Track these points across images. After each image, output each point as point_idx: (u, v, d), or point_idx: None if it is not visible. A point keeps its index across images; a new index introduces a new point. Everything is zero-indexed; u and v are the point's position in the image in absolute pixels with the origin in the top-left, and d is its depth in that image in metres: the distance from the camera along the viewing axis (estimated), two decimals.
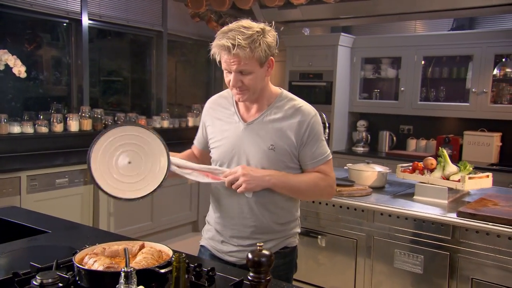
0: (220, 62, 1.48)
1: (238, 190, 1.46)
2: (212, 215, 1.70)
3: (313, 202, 2.63)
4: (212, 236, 1.68)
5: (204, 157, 1.74)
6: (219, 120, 1.63)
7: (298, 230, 1.72)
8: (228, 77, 1.48)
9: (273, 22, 1.53)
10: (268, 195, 1.54)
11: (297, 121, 1.53)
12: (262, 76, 1.49)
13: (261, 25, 1.45)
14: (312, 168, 1.56)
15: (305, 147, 1.54)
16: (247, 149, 1.54)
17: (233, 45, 1.38)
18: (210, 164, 1.66)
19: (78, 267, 1.15)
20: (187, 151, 1.80)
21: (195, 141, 1.79)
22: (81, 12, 4.25)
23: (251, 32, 1.41)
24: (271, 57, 1.49)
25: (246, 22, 1.45)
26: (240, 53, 1.39)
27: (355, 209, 2.49)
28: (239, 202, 1.56)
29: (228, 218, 1.60)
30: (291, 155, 1.55)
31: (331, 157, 1.60)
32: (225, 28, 1.45)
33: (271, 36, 1.47)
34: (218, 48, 1.43)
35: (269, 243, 1.59)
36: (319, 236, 2.64)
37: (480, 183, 2.44)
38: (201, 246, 1.74)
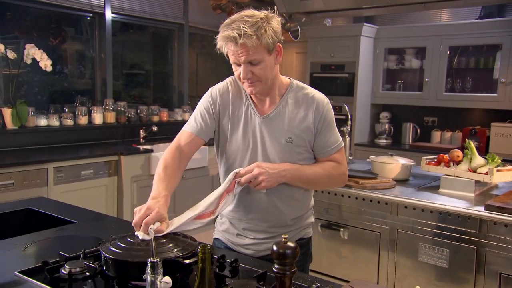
0: (227, 56, 1.44)
1: (256, 188, 1.43)
2: (222, 215, 1.68)
3: (335, 194, 2.61)
4: (227, 229, 1.66)
5: (193, 145, 1.55)
6: (233, 111, 1.55)
7: (313, 220, 1.71)
8: (238, 70, 1.44)
9: (276, 8, 1.50)
10: (285, 189, 1.53)
11: (312, 110, 1.51)
12: (272, 65, 1.45)
13: (264, 12, 1.43)
14: (325, 157, 1.55)
15: (319, 136, 1.53)
16: (265, 143, 1.52)
17: (239, 35, 1.34)
18: (191, 157, 1.56)
19: (105, 256, 1.17)
20: (171, 155, 1.51)
21: (190, 128, 1.56)
22: (104, 6, 4.30)
23: (255, 19, 1.37)
24: (278, 44, 1.44)
25: (248, 11, 1.41)
26: (247, 42, 1.35)
27: (379, 202, 2.46)
28: (256, 197, 1.55)
29: (245, 212, 1.58)
30: (307, 145, 1.53)
31: (343, 144, 1.59)
32: (227, 20, 1.41)
33: (276, 22, 1.43)
34: (224, 41, 1.39)
35: (272, 241, 1.56)
36: (342, 229, 2.62)
37: (509, 176, 2.38)
38: (215, 238, 1.71)
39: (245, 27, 1.35)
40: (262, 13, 1.42)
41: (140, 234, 1.23)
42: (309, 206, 1.67)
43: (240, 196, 1.57)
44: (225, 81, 1.61)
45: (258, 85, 1.45)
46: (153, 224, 1.24)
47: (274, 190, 1.51)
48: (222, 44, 1.41)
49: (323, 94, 1.57)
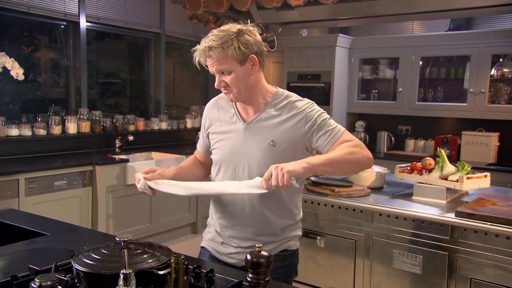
0: (207, 66, 1.53)
1: (285, 180, 1.34)
2: (213, 216, 1.70)
3: (312, 202, 2.63)
4: (212, 237, 1.68)
5: (208, 162, 1.74)
6: (220, 121, 1.65)
7: (299, 233, 1.71)
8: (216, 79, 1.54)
9: (251, 22, 1.57)
10: (271, 195, 1.53)
11: (297, 114, 1.55)
12: (244, 75, 1.51)
13: (239, 26, 1.50)
14: (331, 145, 1.54)
15: (316, 134, 1.55)
16: (248, 149, 1.55)
17: (206, 48, 1.45)
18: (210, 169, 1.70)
19: (77, 269, 1.15)
20: (191, 158, 1.80)
21: (198, 146, 1.79)
22: (78, 14, 4.25)
23: (224, 33, 1.46)
24: (253, 55, 1.49)
25: (226, 26, 1.51)
26: (212, 54, 1.45)
27: (354, 210, 2.50)
28: (240, 201, 1.57)
29: (229, 218, 1.61)
30: (297, 148, 1.55)
31: (344, 129, 1.57)
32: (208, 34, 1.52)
33: (251, 34, 1.50)
34: (198, 54, 1.50)
35: (269, 245, 1.58)
36: (318, 237, 2.64)
37: (478, 183, 2.45)
38: (202, 247, 1.74)
39: (212, 40, 1.45)
40: (237, 27, 1.49)
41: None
42: (297, 217, 1.67)
43: (225, 201, 1.60)
44: (220, 94, 1.70)
45: (231, 93, 1.53)
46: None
47: (261, 197, 1.53)
48: (196, 56, 1.51)
49: (305, 99, 1.63)
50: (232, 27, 1.50)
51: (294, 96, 1.62)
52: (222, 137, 1.62)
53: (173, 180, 1.57)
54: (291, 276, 1.70)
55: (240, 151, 1.57)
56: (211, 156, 1.67)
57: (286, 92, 1.64)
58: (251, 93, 1.56)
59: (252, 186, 1.42)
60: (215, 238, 1.67)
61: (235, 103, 1.63)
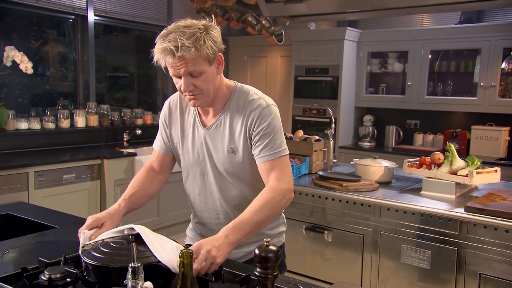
0: (165, 68, 1.39)
1: (210, 269, 1.20)
2: (192, 220, 1.69)
3: (319, 197, 2.63)
4: (193, 236, 1.67)
5: (166, 165, 1.62)
6: (182, 123, 1.55)
7: (283, 228, 1.66)
8: (179, 83, 1.38)
9: (214, 18, 1.42)
10: (240, 197, 1.49)
11: (247, 115, 1.44)
12: (213, 75, 1.40)
13: (202, 22, 1.36)
14: (261, 162, 1.43)
15: (254, 141, 1.44)
16: (211, 155, 1.50)
17: (177, 47, 1.28)
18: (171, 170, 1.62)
19: (85, 262, 1.16)
20: (141, 176, 1.60)
21: (156, 146, 1.63)
22: (87, 8, 4.26)
23: (193, 30, 1.31)
24: (219, 53, 1.40)
25: (185, 21, 1.35)
26: (185, 54, 1.29)
27: (362, 204, 2.49)
28: (214, 210, 1.54)
29: (207, 229, 1.59)
30: (250, 153, 1.46)
31: (286, 153, 1.46)
32: (164, 31, 1.35)
33: (215, 31, 1.37)
34: (161, 53, 1.33)
35: (252, 245, 1.51)
36: (326, 231, 2.64)
37: (488, 178, 2.42)
38: (187, 245, 1.70)
39: (182, 39, 1.29)
40: (201, 23, 1.36)
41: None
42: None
43: (200, 209, 1.58)
44: (177, 92, 1.58)
45: (200, 97, 1.40)
46: (90, 230, 1.37)
47: (231, 200, 1.50)
48: (160, 56, 1.34)
49: (267, 99, 1.49)
50: (196, 23, 1.35)
51: (252, 93, 1.49)
52: (185, 142, 1.54)
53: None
54: (280, 272, 1.67)
55: (205, 157, 1.51)
56: (179, 162, 1.59)
57: (245, 88, 1.51)
58: (214, 95, 1.45)
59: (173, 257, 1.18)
60: (195, 237, 1.64)
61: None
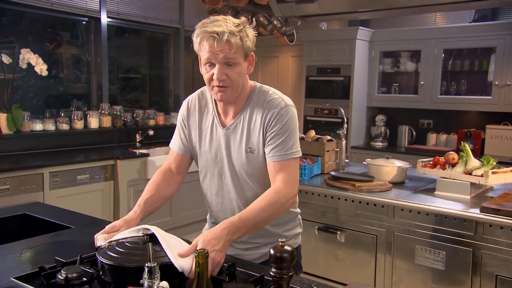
0: (199, 57, 1.40)
1: (210, 271, 1.19)
2: (208, 220, 1.69)
3: (332, 197, 2.62)
4: None
5: (184, 165, 1.62)
6: (201, 125, 1.56)
7: (299, 230, 1.66)
8: (210, 72, 1.38)
9: (254, 20, 1.47)
10: (256, 194, 1.46)
11: (265, 114, 1.45)
12: (244, 72, 1.42)
13: (243, 19, 1.42)
14: (272, 161, 1.43)
15: (268, 139, 1.44)
16: (230, 155, 1.50)
17: (224, 32, 1.31)
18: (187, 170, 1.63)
19: (101, 261, 1.17)
20: (157, 179, 1.59)
21: (174, 147, 1.63)
22: (100, 10, 4.31)
23: (239, 22, 1.38)
24: (252, 53, 1.43)
25: (227, 16, 1.40)
26: (231, 39, 1.32)
27: (375, 205, 2.47)
28: (231, 210, 1.54)
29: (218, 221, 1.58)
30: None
31: (297, 156, 1.46)
32: (206, 19, 1.38)
33: (252, 32, 1.42)
34: (205, 35, 1.33)
35: (268, 246, 1.49)
36: (338, 232, 2.62)
37: (504, 178, 2.39)
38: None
39: (230, 26, 1.34)
40: (243, 20, 1.41)
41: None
42: (292, 216, 1.60)
43: (216, 209, 1.58)
44: (196, 92, 1.60)
45: (228, 91, 1.40)
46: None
47: (247, 199, 1.49)
48: (201, 40, 1.36)
49: (286, 98, 1.49)
50: (240, 19, 1.40)
51: (271, 93, 1.49)
52: (203, 143, 1.55)
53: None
54: (295, 273, 1.67)
55: (223, 157, 1.51)
56: (197, 162, 1.60)
57: (264, 88, 1.52)
58: (239, 94, 1.45)
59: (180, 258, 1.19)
60: None
61: (215, 104, 1.52)
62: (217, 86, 1.40)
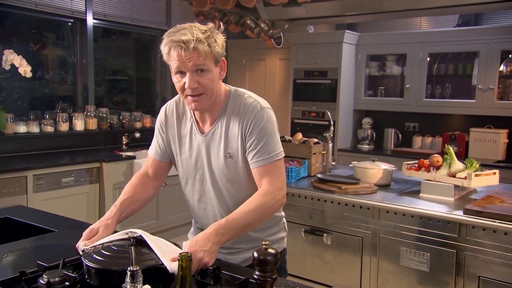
0: (170, 67, 1.39)
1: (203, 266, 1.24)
2: (194, 225, 1.69)
3: (318, 200, 2.63)
4: None
5: (161, 171, 1.62)
6: (179, 131, 1.55)
7: (283, 234, 1.66)
8: (181, 81, 1.37)
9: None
10: (238, 204, 1.42)
11: (241, 119, 1.44)
12: (216, 78, 1.41)
13: (211, 25, 1.40)
14: (255, 167, 1.43)
15: (248, 145, 1.43)
16: (210, 162, 1.50)
17: (191, 39, 1.30)
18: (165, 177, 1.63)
19: (87, 265, 1.16)
20: (134, 182, 1.61)
21: (151, 153, 1.63)
22: (85, 11, 4.27)
23: (206, 28, 1.36)
24: (223, 58, 1.42)
25: (194, 23, 1.38)
26: (199, 46, 1.31)
27: (361, 207, 2.49)
28: (213, 216, 1.54)
29: (202, 226, 1.59)
30: (245, 158, 1.46)
31: (279, 157, 1.45)
32: (173, 29, 1.36)
33: (221, 38, 1.41)
34: (173, 45, 1.33)
35: (251, 251, 1.45)
36: (325, 234, 2.64)
37: (487, 180, 2.43)
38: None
39: (197, 33, 1.32)
40: (210, 26, 1.39)
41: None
42: (275, 220, 1.60)
43: (199, 215, 1.58)
44: (174, 98, 1.59)
45: (202, 98, 1.39)
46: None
47: (229, 204, 1.49)
48: (169, 49, 1.35)
49: (261, 101, 1.48)
50: (207, 26, 1.39)
51: (247, 96, 1.48)
52: (183, 150, 1.54)
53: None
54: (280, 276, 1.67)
55: (203, 164, 1.51)
56: (177, 169, 1.59)
57: (240, 91, 1.51)
58: (213, 100, 1.44)
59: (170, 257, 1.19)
60: None
61: (193, 111, 1.50)
62: (190, 96, 1.39)
